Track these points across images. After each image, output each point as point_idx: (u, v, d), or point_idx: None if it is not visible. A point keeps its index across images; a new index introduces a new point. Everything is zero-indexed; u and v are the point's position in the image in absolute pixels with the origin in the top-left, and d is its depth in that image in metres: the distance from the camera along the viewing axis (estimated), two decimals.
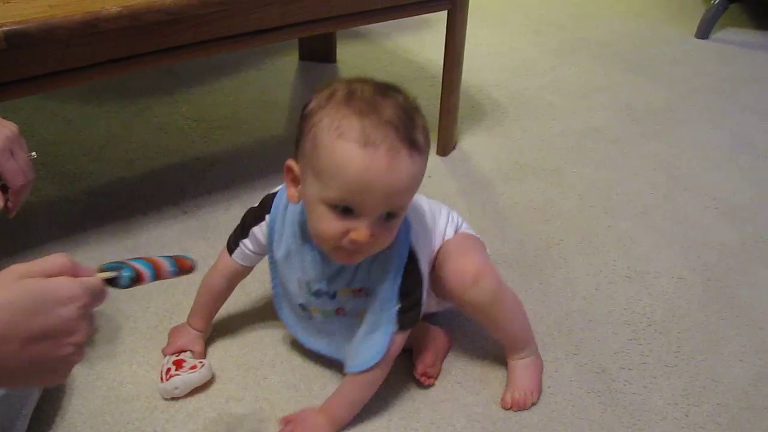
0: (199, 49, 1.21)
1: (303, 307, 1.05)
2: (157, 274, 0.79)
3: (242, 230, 1.07)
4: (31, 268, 0.61)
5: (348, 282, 1.00)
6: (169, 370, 1.06)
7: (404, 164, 0.83)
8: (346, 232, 0.85)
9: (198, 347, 1.11)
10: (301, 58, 2.08)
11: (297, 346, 1.14)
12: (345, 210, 0.84)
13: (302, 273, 1.01)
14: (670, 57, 2.24)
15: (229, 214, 1.42)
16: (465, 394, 1.07)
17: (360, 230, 0.85)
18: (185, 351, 1.09)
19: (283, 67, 2.04)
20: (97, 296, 0.64)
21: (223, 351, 1.13)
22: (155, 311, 1.19)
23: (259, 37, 1.26)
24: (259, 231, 1.05)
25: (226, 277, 1.11)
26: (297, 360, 1.12)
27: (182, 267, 0.84)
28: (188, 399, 1.05)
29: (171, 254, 0.85)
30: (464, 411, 1.05)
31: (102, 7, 1.05)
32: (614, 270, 1.33)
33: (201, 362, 1.07)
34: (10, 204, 0.93)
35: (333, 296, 1.01)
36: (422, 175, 0.87)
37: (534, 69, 2.12)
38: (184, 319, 1.17)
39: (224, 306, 1.20)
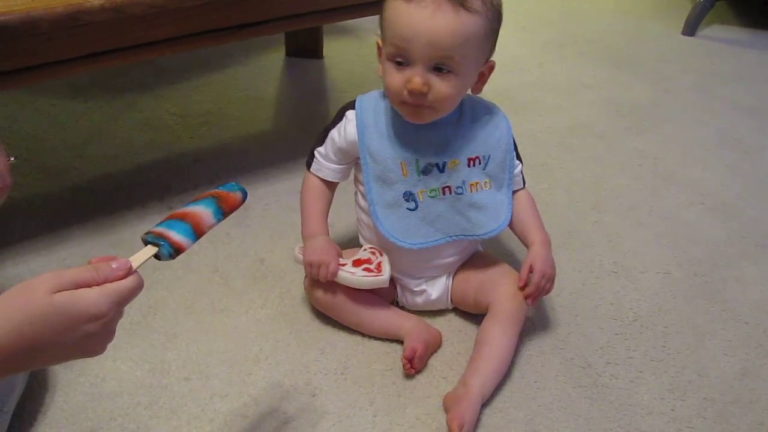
0: (183, 43, 1.19)
1: (407, 196, 1.07)
2: (198, 235, 0.75)
3: (318, 139, 1.13)
4: (61, 278, 0.63)
5: (457, 151, 1.07)
6: (368, 269, 1.09)
7: (446, 16, 0.93)
8: (405, 83, 0.97)
9: (338, 248, 1.13)
10: (288, 53, 2.07)
11: (282, 342, 1.13)
12: (401, 63, 0.97)
13: (407, 152, 1.06)
14: (657, 54, 2.25)
15: None
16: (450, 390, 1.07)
17: (412, 78, 0.96)
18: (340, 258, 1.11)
19: (269, 62, 2.03)
20: (128, 297, 0.67)
21: (207, 346, 1.12)
22: (138, 307, 1.18)
23: (244, 31, 1.25)
24: (337, 133, 1.10)
25: (315, 195, 1.14)
26: (282, 356, 1.11)
27: (229, 208, 0.79)
28: (172, 395, 1.04)
29: (216, 192, 0.80)
30: None
31: None
32: (601, 265, 1.33)
33: (364, 247, 1.15)
34: None
35: (442, 169, 1.07)
36: (472, 34, 0.96)
37: (521, 65, 2.12)
38: (168, 315, 1.17)
39: (210, 300, 1.20)
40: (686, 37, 2.38)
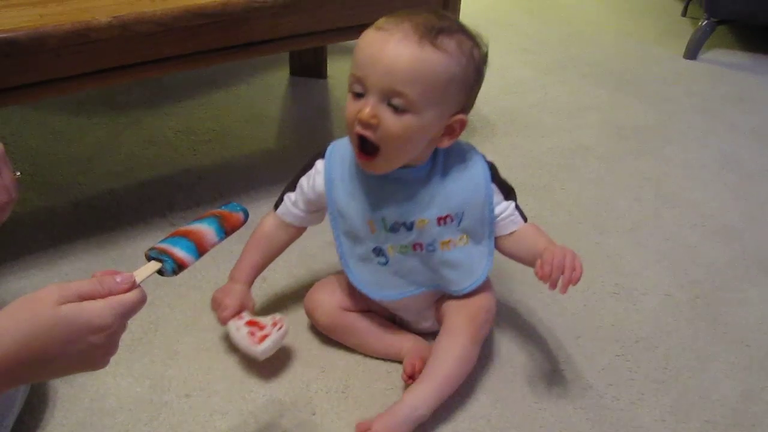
0: (190, 61, 1.21)
1: (377, 251, 1.03)
2: (201, 253, 0.76)
3: (290, 183, 1.09)
4: (67, 291, 0.64)
5: (425, 210, 1.00)
6: (253, 333, 1.05)
7: (410, 49, 0.88)
8: (357, 114, 0.91)
9: (250, 303, 1.10)
10: (292, 73, 2.09)
11: (284, 360, 1.13)
12: (359, 94, 0.91)
13: (374, 209, 1.01)
14: (659, 77, 2.26)
15: None
16: (453, 407, 1.07)
17: (364, 107, 0.90)
18: (242, 312, 1.08)
19: (273, 82, 2.05)
20: (132, 310, 0.68)
21: (208, 363, 1.12)
22: (139, 323, 1.18)
23: (250, 49, 1.26)
24: (306, 182, 1.06)
25: (271, 237, 1.12)
26: (283, 374, 1.11)
27: (231, 228, 0.80)
28: (172, 412, 1.04)
29: (219, 211, 0.82)
30: (452, 425, 1.05)
31: (92, 17, 1.05)
32: (602, 286, 1.33)
33: (274, 317, 1.08)
34: None
35: (410, 228, 1.01)
36: (434, 73, 0.89)
37: (523, 87, 2.13)
38: (169, 331, 1.17)
39: (211, 317, 1.20)
40: (688, 61, 2.39)
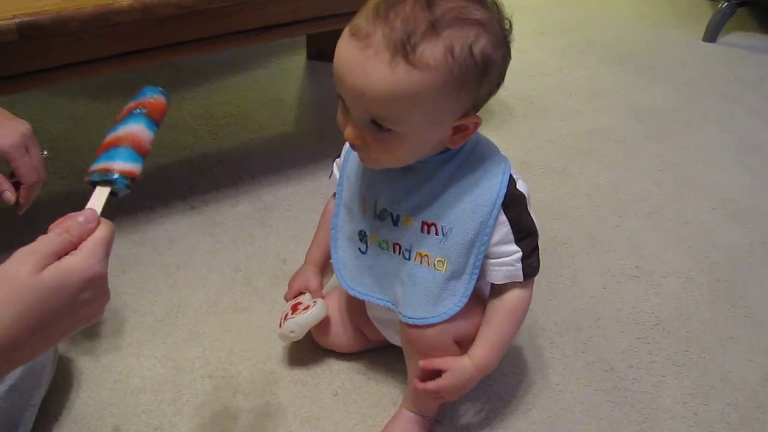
0: (211, 44, 1.21)
1: (362, 235, 0.94)
2: (143, 155, 0.69)
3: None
4: (40, 254, 0.59)
5: (413, 209, 0.88)
6: (286, 315, 1.04)
7: (378, 68, 0.73)
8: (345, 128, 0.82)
9: (314, 282, 1.07)
10: (309, 57, 2.08)
11: (306, 342, 1.13)
12: (344, 103, 0.80)
13: (370, 189, 0.92)
14: (678, 60, 2.24)
15: (237, 210, 1.42)
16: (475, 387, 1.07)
17: (348, 128, 0.80)
18: (303, 293, 1.07)
19: (290, 66, 2.05)
20: (109, 246, 0.64)
21: (230, 345, 1.13)
22: (162, 305, 1.19)
23: (270, 32, 1.26)
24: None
25: (323, 221, 1.08)
26: (305, 356, 1.12)
27: (159, 116, 0.73)
28: (195, 393, 1.05)
29: (137, 102, 0.74)
30: (471, 405, 1.05)
31: (114, 0, 1.06)
32: (622, 269, 1.33)
33: (314, 301, 1.04)
34: (21, 200, 0.94)
35: (396, 222, 0.90)
36: (413, 93, 0.74)
37: (541, 70, 2.12)
38: (191, 313, 1.18)
39: (232, 299, 1.21)
40: (707, 44, 2.37)
